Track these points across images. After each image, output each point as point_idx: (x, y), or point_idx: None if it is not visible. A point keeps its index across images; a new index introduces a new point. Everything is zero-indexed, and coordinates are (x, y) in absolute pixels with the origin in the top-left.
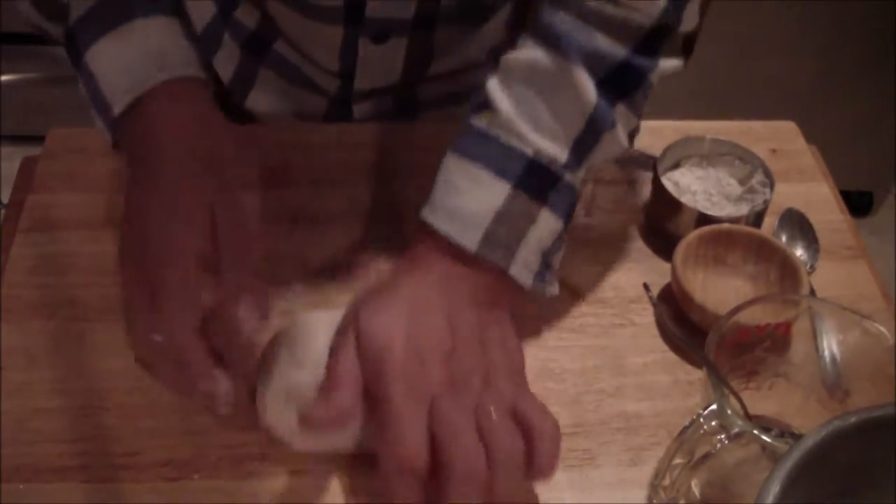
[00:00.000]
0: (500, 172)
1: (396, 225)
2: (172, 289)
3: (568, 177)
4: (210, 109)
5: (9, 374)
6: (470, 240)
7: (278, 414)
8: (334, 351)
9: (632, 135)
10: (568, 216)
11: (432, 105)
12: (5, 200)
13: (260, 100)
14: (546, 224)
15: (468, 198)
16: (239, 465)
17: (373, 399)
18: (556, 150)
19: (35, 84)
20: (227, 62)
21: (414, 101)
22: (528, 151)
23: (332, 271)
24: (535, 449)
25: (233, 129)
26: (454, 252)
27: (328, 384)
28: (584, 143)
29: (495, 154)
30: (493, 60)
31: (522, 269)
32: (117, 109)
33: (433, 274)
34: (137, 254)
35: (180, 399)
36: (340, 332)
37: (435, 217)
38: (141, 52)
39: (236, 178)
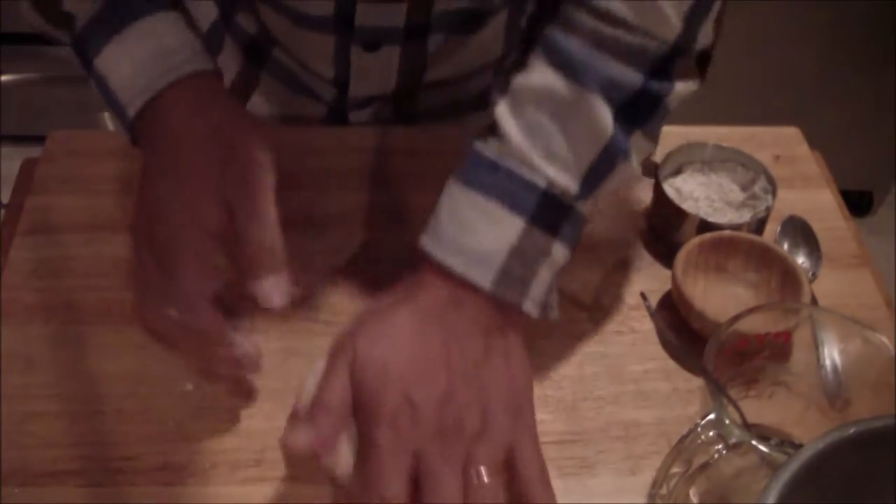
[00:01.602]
0: (514, 206)
1: (398, 228)
2: (187, 259)
3: (579, 207)
4: (223, 98)
5: (6, 377)
6: (484, 278)
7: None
8: (327, 373)
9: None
10: (574, 246)
11: (430, 115)
12: (5, 201)
13: (261, 104)
14: (559, 256)
15: (481, 234)
16: (234, 471)
17: (360, 431)
18: (568, 181)
19: (35, 84)
20: (229, 64)
21: (412, 111)
22: (542, 183)
23: (332, 275)
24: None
25: (247, 113)
26: (463, 283)
27: (315, 409)
28: (597, 172)
29: (507, 186)
30: (496, 81)
31: (532, 302)
32: (132, 111)
33: (438, 300)
34: (151, 229)
35: (176, 404)
36: (335, 354)
37: (444, 252)
38: (149, 51)
39: (253, 159)
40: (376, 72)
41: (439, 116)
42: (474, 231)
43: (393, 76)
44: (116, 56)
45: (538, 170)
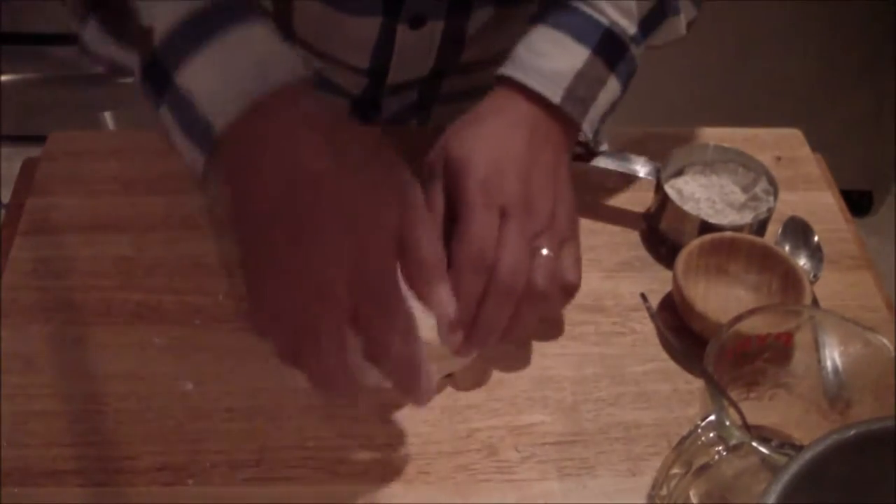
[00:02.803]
0: (581, 38)
1: None
2: (383, 305)
3: (633, 49)
4: (338, 110)
5: (6, 376)
6: (554, 92)
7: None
8: (426, 186)
9: (689, 24)
10: (626, 85)
11: (450, 98)
12: (5, 201)
13: None
14: (612, 88)
15: (553, 59)
16: (234, 471)
17: (455, 206)
18: (627, 24)
19: (35, 84)
20: None
21: (435, 95)
22: (605, 22)
23: None
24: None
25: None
26: (536, 100)
27: (415, 219)
28: (651, 21)
29: (577, 22)
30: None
31: (589, 124)
32: (222, 121)
33: (517, 114)
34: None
35: (176, 404)
36: (430, 167)
37: (520, 73)
38: (240, 63)
39: (401, 173)
40: (417, 51)
41: (456, 102)
42: (548, 56)
43: (433, 56)
44: (205, 67)
45: (603, 11)
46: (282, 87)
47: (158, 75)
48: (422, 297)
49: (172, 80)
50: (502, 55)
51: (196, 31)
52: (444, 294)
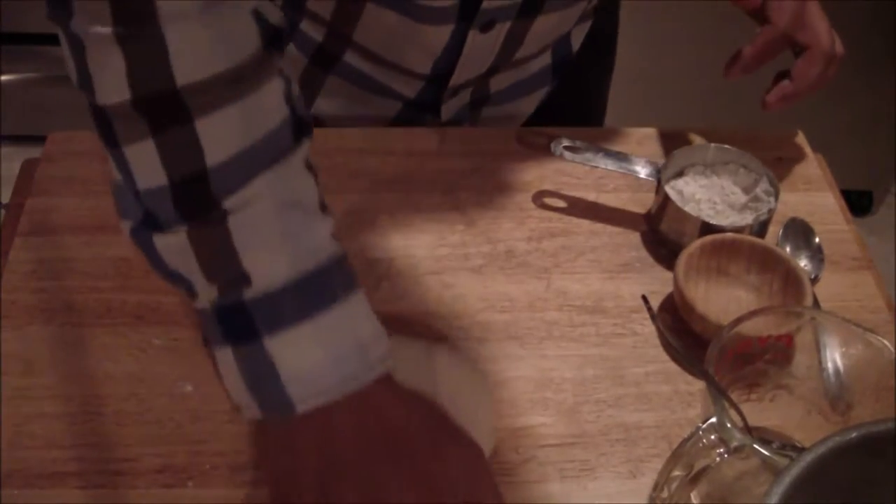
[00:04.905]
0: None
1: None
2: None
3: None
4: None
5: (6, 378)
6: None
7: None
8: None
9: None
10: None
11: (499, 96)
12: (5, 202)
13: (326, 105)
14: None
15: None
16: (234, 474)
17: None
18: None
19: (35, 84)
20: (291, 69)
21: (486, 94)
22: None
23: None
24: None
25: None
26: None
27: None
28: None
29: None
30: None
31: None
32: (304, 408)
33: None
34: None
35: (176, 405)
36: None
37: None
38: (345, 345)
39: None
40: (481, 53)
41: (504, 101)
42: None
43: (492, 56)
44: (304, 343)
45: None
46: (382, 373)
47: (241, 325)
48: None
49: (260, 342)
50: (545, 49)
51: (307, 298)
52: None
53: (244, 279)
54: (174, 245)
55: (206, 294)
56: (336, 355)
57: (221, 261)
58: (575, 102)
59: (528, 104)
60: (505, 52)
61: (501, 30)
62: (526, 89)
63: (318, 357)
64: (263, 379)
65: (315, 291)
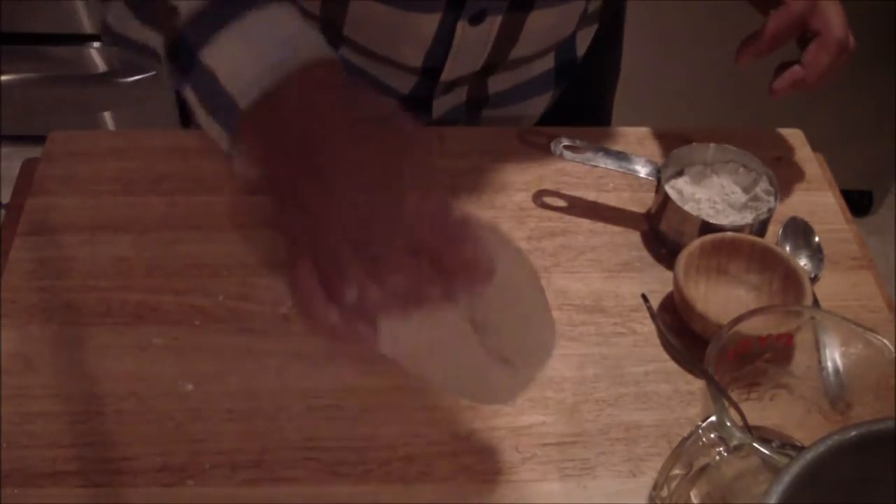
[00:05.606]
0: None
1: None
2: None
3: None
4: (363, 88)
5: (6, 377)
6: None
7: None
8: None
9: None
10: None
11: (498, 99)
12: (5, 202)
13: None
14: None
15: None
16: (233, 472)
17: None
18: None
19: (35, 84)
20: None
21: (484, 94)
22: None
23: None
24: None
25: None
26: None
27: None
28: None
29: None
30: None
31: None
32: (245, 101)
33: None
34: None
35: (176, 404)
36: None
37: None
38: (268, 40)
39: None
40: (474, 47)
41: (504, 102)
42: None
43: (486, 51)
44: (228, 46)
45: None
46: (310, 64)
47: (184, 54)
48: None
49: (197, 59)
50: (547, 51)
51: (223, 10)
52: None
53: (174, 11)
54: (118, 15)
55: (158, 45)
56: (260, 49)
57: (151, 4)
58: (580, 110)
59: (531, 108)
60: (500, 49)
61: (493, 23)
62: (527, 93)
63: (243, 53)
64: (215, 95)
65: (238, 2)
